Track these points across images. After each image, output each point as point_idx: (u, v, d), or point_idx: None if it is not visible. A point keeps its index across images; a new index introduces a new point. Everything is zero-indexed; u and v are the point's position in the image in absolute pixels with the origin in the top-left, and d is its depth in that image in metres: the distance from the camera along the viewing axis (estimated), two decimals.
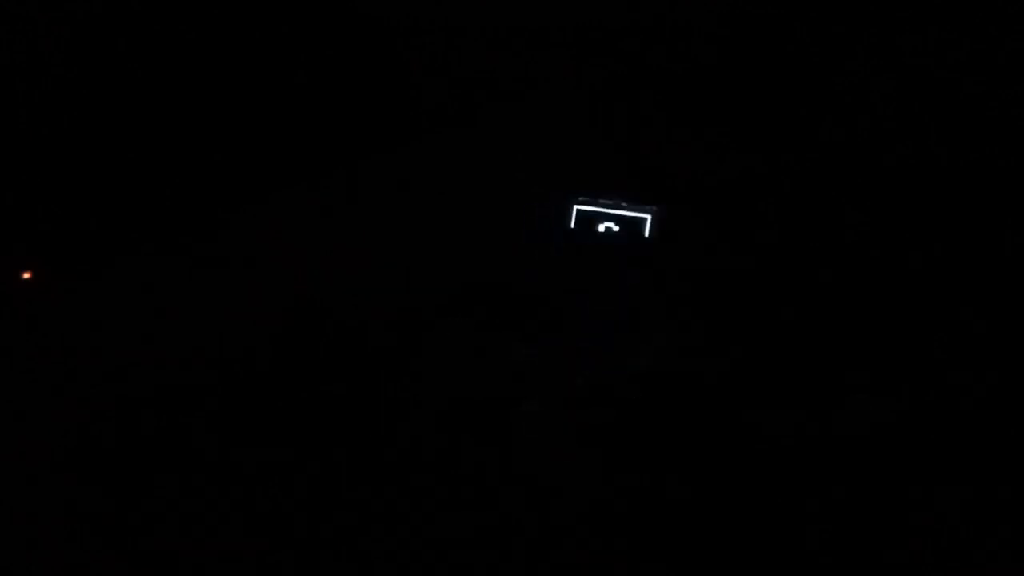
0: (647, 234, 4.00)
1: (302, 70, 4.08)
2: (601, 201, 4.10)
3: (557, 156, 4.37)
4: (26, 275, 3.66)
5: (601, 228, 4.06)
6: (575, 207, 4.11)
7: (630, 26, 4.36)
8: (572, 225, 4.09)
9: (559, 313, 3.90)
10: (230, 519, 2.92)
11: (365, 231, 4.10)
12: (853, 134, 4.09)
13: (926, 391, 3.22)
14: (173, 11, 3.85)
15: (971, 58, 4.00)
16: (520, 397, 3.43)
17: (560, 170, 4.34)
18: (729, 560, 2.73)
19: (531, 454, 3.17)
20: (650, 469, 3.05)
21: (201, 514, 2.94)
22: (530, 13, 4.29)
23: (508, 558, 2.76)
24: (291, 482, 3.03)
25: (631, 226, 4.04)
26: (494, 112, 4.41)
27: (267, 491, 3.01)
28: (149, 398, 3.37)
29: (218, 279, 3.75)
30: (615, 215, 4.04)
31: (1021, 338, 3.37)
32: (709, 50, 4.36)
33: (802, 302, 3.72)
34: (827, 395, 3.28)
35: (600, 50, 4.41)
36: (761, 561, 2.71)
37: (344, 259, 4.03)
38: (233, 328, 3.68)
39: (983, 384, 3.20)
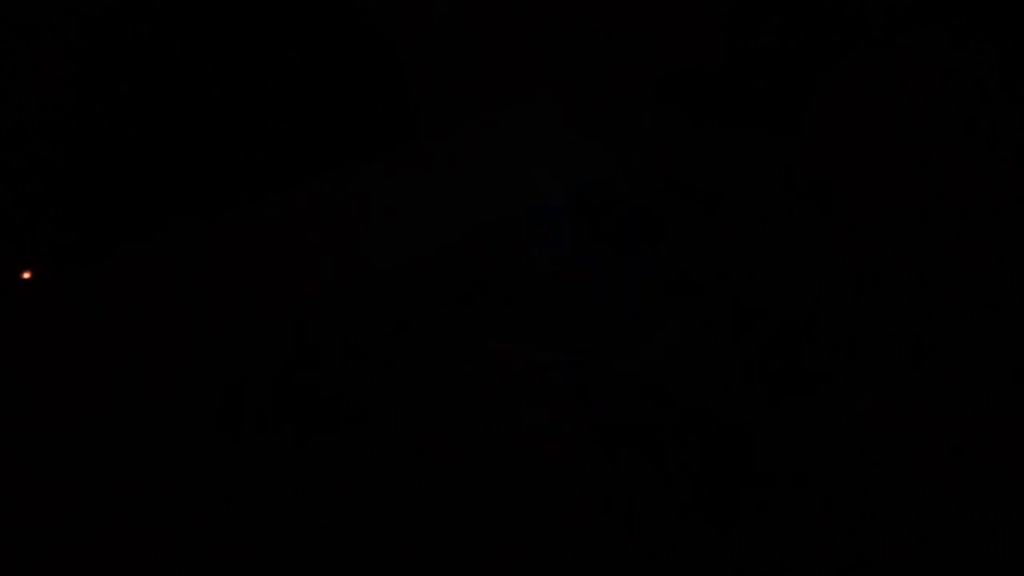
0: (635, 232, 4.00)
1: (299, 71, 4.08)
2: (593, 201, 4.09)
3: (557, 157, 4.37)
4: (26, 275, 3.66)
5: (594, 226, 4.05)
6: (568, 203, 4.10)
7: (629, 26, 4.36)
8: (567, 223, 4.09)
9: (558, 314, 3.90)
10: (229, 521, 2.92)
11: (363, 232, 4.10)
12: (854, 134, 4.09)
13: (927, 391, 3.21)
14: (172, 11, 3.85)
15: (974, 57, 3.99)
16: (520, 398, 3.43)
17: (559, 171, 4.34)
18: (730, 559, 2.73)
19: (531, 455, 3.17)
20: (651, 469, 3.04)
21: (200, 515, 2.94)
22: (528, 14, 4.29)
23: (509, 559, 2.76)
24: (289, 485, 3.03)
25: (621, 224, 4.02)
26: (492, 114, 4.41)
27: (265, 493, 3.01)
28: (148, 399, 3.37)
29: (216, 279, 3.75)
30: (607, 214, 4.03)
31: (1021, 337, 3.36)
32: (709, 50, 4.36)
33: (801, 302, 3.71)
34: (827, 395, 3.28)
35: (600, 52, 4.41)
36: (761, 560, 2.70)
37: (342, 260, 4.03)
38: (231, 329, 3.68)
39: (983, 384, 3.20)
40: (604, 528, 2.82)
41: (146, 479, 3.03)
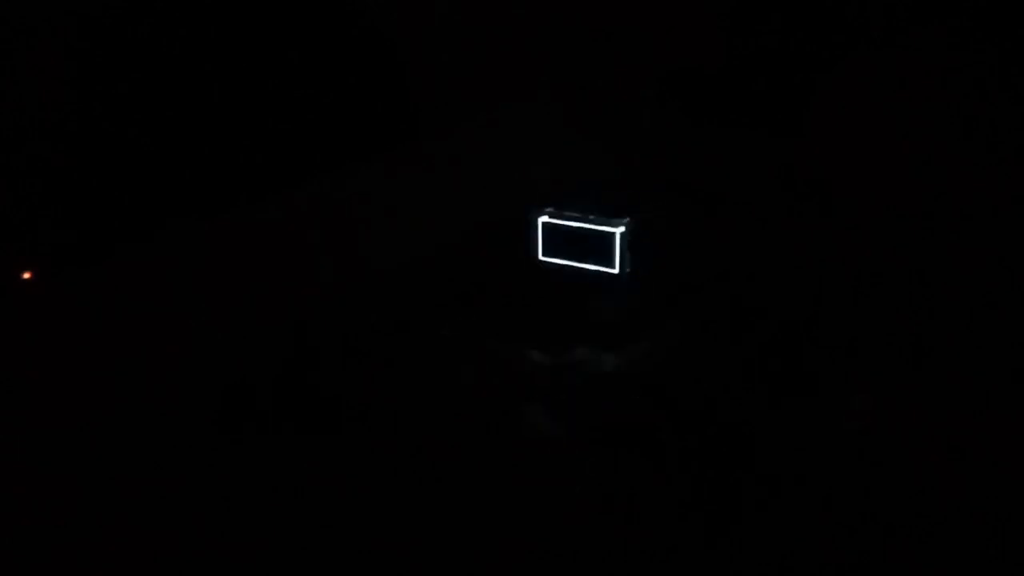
0: (619, 249, 3.97)
1: (299, 71, 4.08)
2: (574, 214, 4.04)
3: (557, 157, 4.37)
4: (26, 275, 3.66)
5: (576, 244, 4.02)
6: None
7: (629, 26, 4.36)
8: (556, 234, 4.08)
9: (558, 313, 3.90)
10: (229, 521, 2.92)
11: (363, 232, 4.10)
12: (854, 134, 4.09)
13: (927, 391, 3.22)
14: (172, 11, 3.85)
15: (974, 57, 3.99)
16: (520, 398, 3.43)
17: (560, 170, 4.34)
18: (730, 559, 2.73)
19: (531, 455, 3.17)
20: (651, 469, 3.05)
21: (200, 515, 2.94)
22: (525, 14, 4.29)
23: (509, 559, 2.76)
24: (289, 485, 3.03)
25: (601, 242, 3.98)
26: (492, 113, 4.41)
27: (265, 492, 3.01)
28: (148, 399, 3.37)
29: (216, 279, 3.75)
30: (588, 229, 3.99)
31: (1021, 337, 3.37)
32: (709, 50, 4.36)
33: (801, 302, 3.72)
34: (827, 395, 3.28)
35: (600, 52, 4.41)
36: (761, 560, 2.70)
37: (342, 260, 4.03)
38: (231, 329, 3.68)
39: (983, 384, 3.20)
40: (604, 528, 2.81)
41: (146, 479, 3.03)
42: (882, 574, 2.65)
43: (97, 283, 3.61)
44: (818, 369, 3.38)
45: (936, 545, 2.67)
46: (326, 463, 3.10)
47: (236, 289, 3.74)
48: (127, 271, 3.67)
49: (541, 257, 4.08)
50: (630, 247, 3.94)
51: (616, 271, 3.98)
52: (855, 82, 4.13)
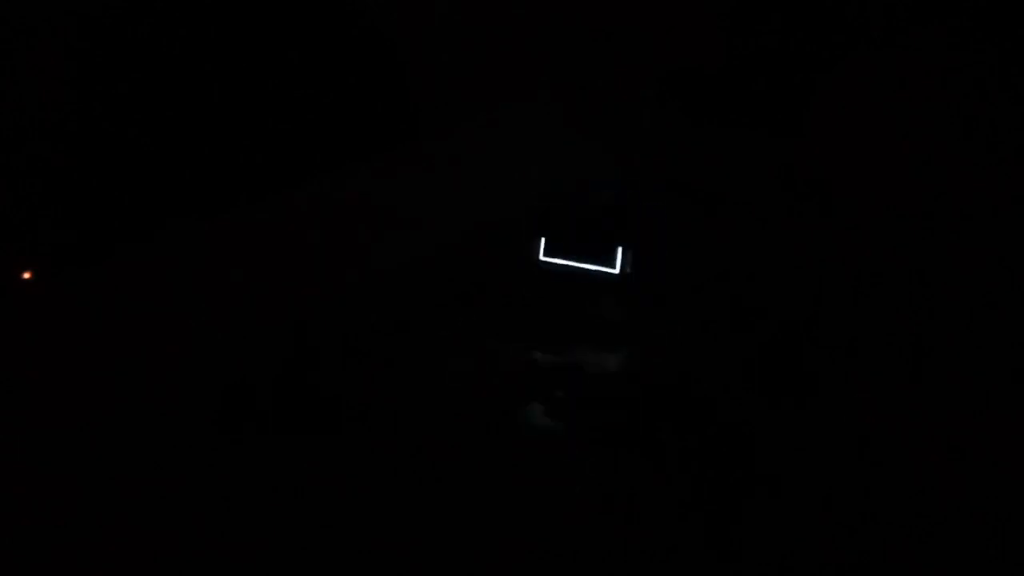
0: (618, 266, 3.98)
1: (299, 71, 4.08)
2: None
3: (557, 157, 4.37)
4: (26, 275, 3.66)
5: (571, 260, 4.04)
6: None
7: (629, 26, 4.35)
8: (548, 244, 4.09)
9: (558, 314, 3.90)
10: (229, 521, 2.92)
11: (363, 232, 4.10)
12: (854, 134, 4.09)
13: (927, 391, 3.21)
14: (172, 11, 3.84)
15: (974, 57, 3.99)
16: (520, 398, 3.43)
17: (559, 171, 4.34)
18: (730, 559, 2.73)
19: (531, 455, 3.17)
20: (651, 469, 3.05)
21: (200, 515, 2.94)
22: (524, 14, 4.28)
23: (509, 559, 2.76)
24: (289, 485, 3.03)
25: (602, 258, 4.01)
26: (492, 113, 4.41)
27: (265, 493, 3.01)
28: (148, 399, 3.37)
29: (216, 279, 3.75)
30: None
31: (1021, 337, 3.36)
32: (709, 50, 4.36)
33: (801, 302, 3.71)
34: (827, 395, 3.28)
35: (600, 52, 4.40)
36: (761, 560, 2.70)
37: (342, 260, 4.03)
38: (231, 329, 3.68)
39: (983, 384, 3.20)
40: (604, 528, 2.82)
41: (146, 479, 3.03)
42: (882, 574, 2.65)
43: (97, 283, 3.61)
44: (818, 369, 3.38)
45: (936, 545, 2.67)
46: (326, 463, 3.10)
47: (236, 289, 3.74)
48: (127, 271, 3.67)
49: (543, 257, 4.09)
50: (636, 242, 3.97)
51: (616, 271, 3.99)
52: (855, 82, 4.12)
